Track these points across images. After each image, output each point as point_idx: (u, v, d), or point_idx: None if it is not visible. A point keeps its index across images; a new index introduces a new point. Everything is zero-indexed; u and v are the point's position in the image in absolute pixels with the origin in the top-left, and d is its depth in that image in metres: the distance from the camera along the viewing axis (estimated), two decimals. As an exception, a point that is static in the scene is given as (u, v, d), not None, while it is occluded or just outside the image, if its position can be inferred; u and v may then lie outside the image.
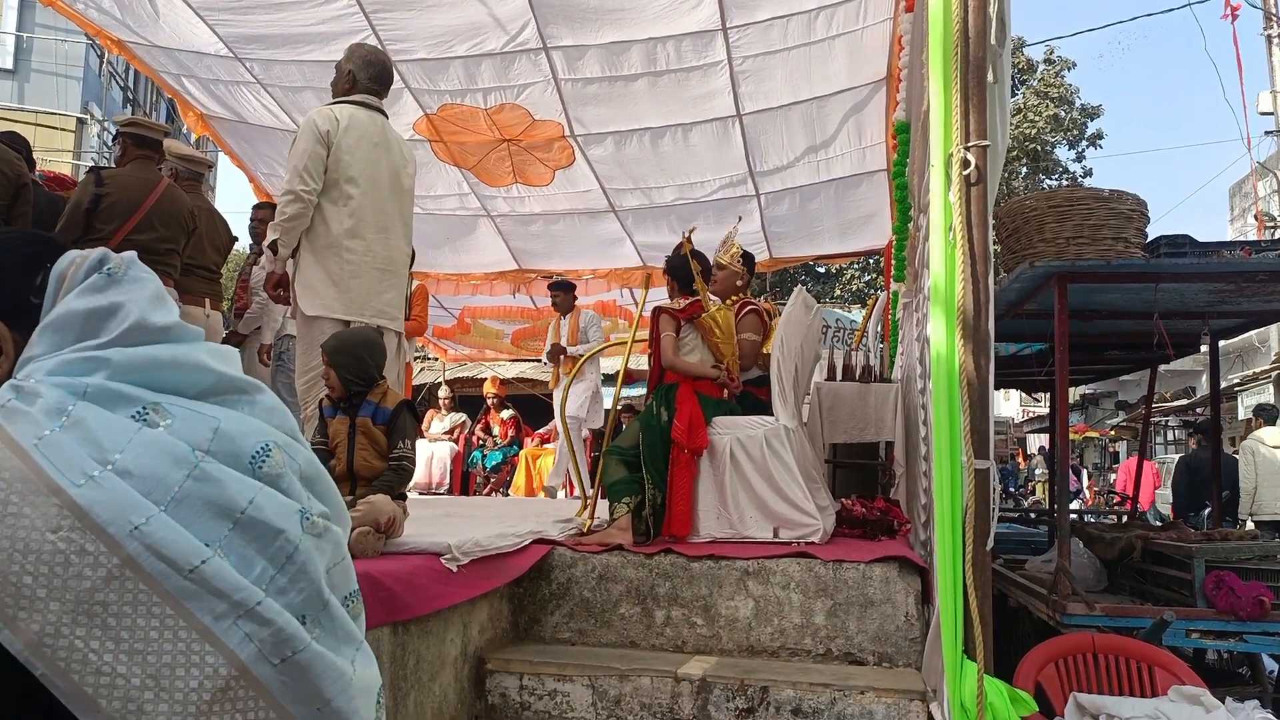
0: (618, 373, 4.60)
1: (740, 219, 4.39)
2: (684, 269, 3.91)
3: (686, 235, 4.01)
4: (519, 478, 8.56)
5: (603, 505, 3.74)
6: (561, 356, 7.00)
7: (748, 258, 4.36)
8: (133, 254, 1.07)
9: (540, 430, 10.19)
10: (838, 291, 22.23)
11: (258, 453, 0.98)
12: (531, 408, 12.11)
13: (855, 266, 21.60)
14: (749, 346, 4.08)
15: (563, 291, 7.21)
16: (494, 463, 10.55)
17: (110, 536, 0.86)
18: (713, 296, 4.03)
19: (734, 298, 4.27)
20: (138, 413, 0.94)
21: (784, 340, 3.69)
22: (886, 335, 6.38)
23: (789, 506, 3.42)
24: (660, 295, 8.82)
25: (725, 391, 3.76)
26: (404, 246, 3.64)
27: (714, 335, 3.77)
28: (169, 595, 0.88)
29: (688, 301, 3.84)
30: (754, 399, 3.91)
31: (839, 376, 4.67)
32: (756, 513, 3.45)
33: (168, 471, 0.91)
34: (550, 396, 11.28)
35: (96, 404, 0.93)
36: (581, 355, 6.68)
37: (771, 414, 3.62)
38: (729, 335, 3.83)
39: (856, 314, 12.08)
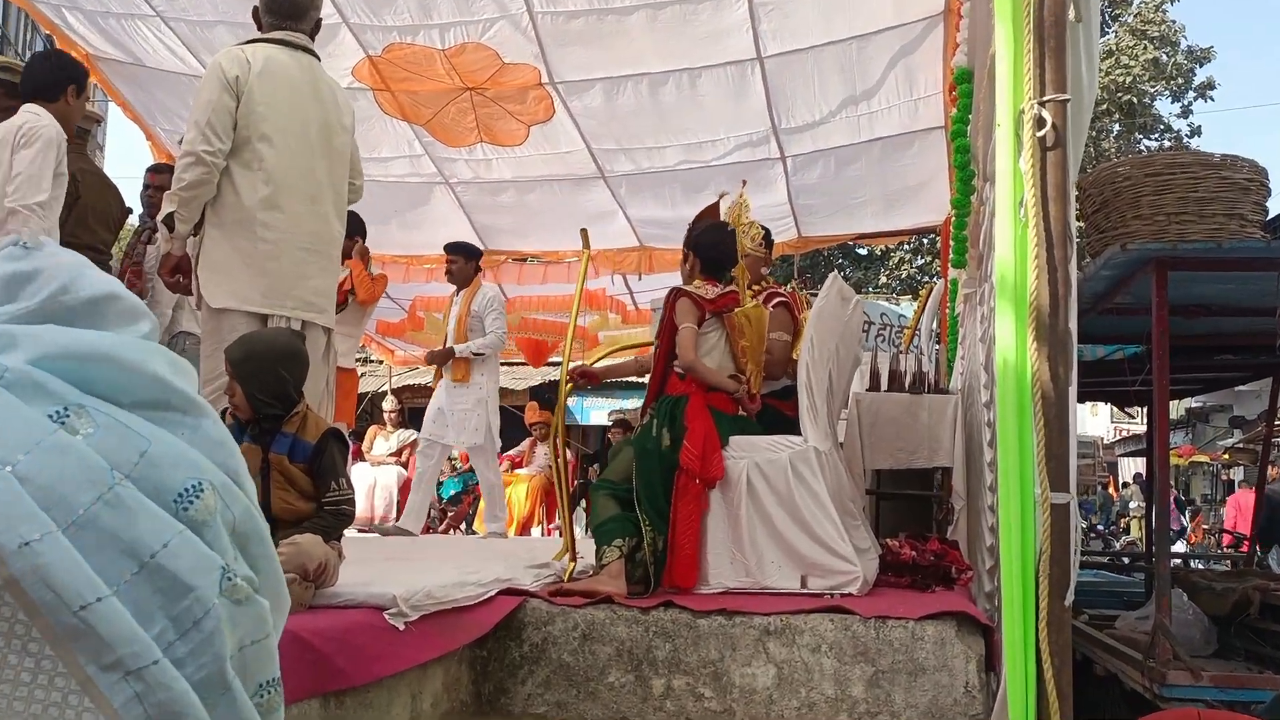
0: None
1: (745, 184, 4.33)
2: (720, 246, 3.81)
3: (720, 199, 3.96)
4: (484, 506, 8.56)
5: (589, 545, 3.74)
6: (449, 359, 6.30)
7: (766, 236, 4.37)
8: (49, 237, 1.11)
9: (510, 452, 10.19)
10: (883, 279, 22.25)
11: (186, 490, 0.99)
12: (501, 423, 12.09)
13: (904, 248, 21.60)
14: (779, 349, 4.06)
15: (462, 257, 6.50)
16: (452, 492, 10.54)
17: None
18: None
19: (755, 287, 4.28)
20: (57, 413, 0.95)
21: (815, 341, 3.69)
22: (943, 334, 6.39)
23: (820, 549, 3.42)
24: (654, 286, 8.75)
25: (740, 406, 3.74)
26: (336, 221, 3.64)
27: (743, 337, 3.73)
28: (51, 632, 0.88)
29: (720, 291, 3.76)
30: (776, 414, 3.91)
31: (884, 386, 4.67)
32: (780, 556, 3.45)
33: (76, 489, 0.92)
34: (521, 409, 11.31)
35: (10, 392, 0.93)
36: (470, 354, 6.25)
37: (798, 433, 3.62)
38: (760, 338, 3.79)
39: (906, 307, 12.10)
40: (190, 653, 0.95)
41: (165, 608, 0.94)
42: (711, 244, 3.86)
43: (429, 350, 6.93)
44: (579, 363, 4.39)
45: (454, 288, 6.61)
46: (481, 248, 8.35)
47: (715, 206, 4.07)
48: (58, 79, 4.00)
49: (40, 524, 0.88)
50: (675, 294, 3.76)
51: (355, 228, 5.63)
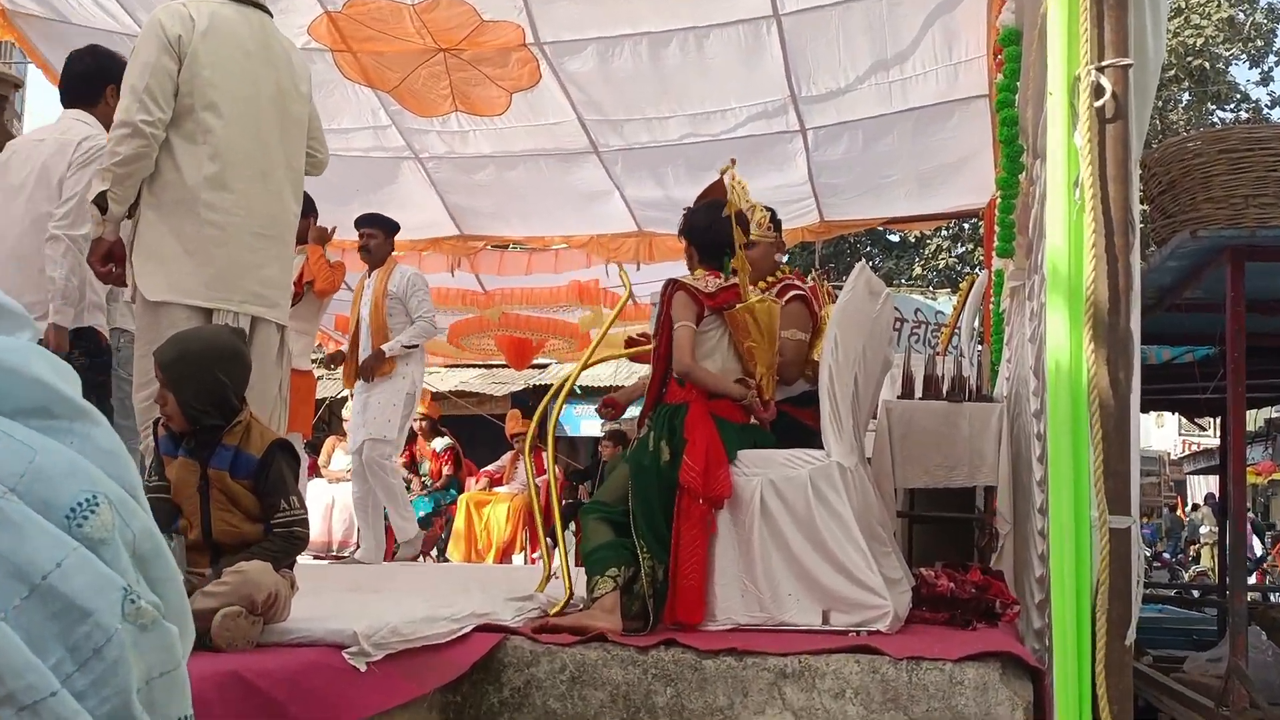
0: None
1: (733, 161, 4.22)
2: (714, 228, 3.80)
3: (724, 171, 3.94)
4: (458, 528, 8.58)
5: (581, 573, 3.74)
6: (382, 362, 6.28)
7: (774, 218, 4.36)
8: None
9: (488, 467, 10.21)
10: (917, 270, 22.31)
11: (80, 505, 0.99)
12: (476, 434, 12.14)
13: (942, 234, 21.67)
14: (792, 350, 4.06)
15: (382, 231, 6.51)
16: (422, 513, 10.51)
17: None
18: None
19: (771, 278, 4.28)
20: None
21: (840, 340, 3.70)
22: (987, 334, 6.40)
23: (844, 579, 3.43)
24: (654, 277, 8.77)
25: (752, 415, 3.74)
26: (292, 200, 3.65)
27: (749, 336, 3.73)
28: None
29: (720, 285, 3.76)
30: (794, 424, 3.91)
31: (918, 393, 4.68)
32: (798, 588, 3.46)
33: None
34: (500, 418, 11.32)
35: None
36: (402, 349, 6.27)
37: (819, 446, 3.62)
38: (770, 338, 3.79)
39: (944, 303, 12.13)
40: (92, 684, 0.95)
41: (61, 635, 0.94)
42: (705, 227, 3.85)
43: (333, 354, 6.95)
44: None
45: (364, 271, 6.57)
46: (457, 230, 8.39)
47: (720, 184, 4.05)
48: (94, 79, 4.10)
49: None
50: (672, 286, 3.75)
51: (306, 207, 5.63)
